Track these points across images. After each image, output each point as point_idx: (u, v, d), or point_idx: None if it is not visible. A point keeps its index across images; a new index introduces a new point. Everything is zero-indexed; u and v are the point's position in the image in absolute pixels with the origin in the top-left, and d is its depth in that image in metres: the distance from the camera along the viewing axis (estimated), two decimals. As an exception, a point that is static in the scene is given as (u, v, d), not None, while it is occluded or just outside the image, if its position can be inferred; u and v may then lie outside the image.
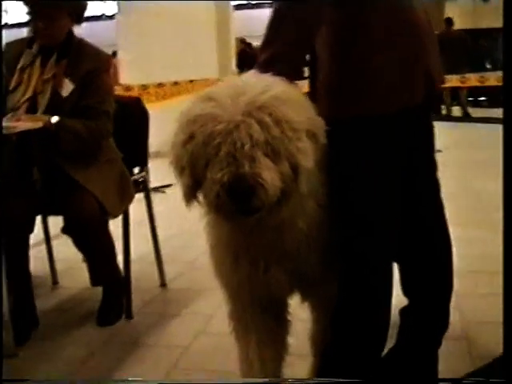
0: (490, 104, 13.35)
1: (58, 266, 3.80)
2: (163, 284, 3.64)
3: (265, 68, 1.77)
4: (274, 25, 1.85)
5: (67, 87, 2.92)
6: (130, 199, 3.22)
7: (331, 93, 1.95)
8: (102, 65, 3.04)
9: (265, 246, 1.87)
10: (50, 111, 2.91)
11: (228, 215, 1.66)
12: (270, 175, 1.58)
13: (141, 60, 7.94)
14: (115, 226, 3.22)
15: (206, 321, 3.13)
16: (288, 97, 1.66)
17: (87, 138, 2.94)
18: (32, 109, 2.94)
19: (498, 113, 11.68)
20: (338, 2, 1.88)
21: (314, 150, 1.69)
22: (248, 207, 1.60)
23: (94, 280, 3.18)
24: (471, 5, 13.78)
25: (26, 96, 2.96)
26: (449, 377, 2.34)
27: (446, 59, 8.84)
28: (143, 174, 3.43)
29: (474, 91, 11.94)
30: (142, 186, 3.45)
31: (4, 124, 2.73)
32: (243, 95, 1.61)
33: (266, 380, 2.01)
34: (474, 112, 12.07)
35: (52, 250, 3.76)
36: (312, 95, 1.99)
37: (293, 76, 1.80)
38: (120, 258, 3.27)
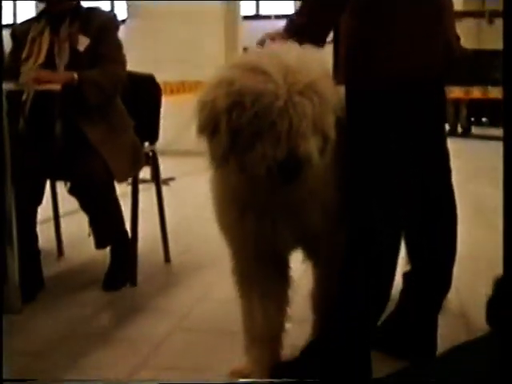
0: (491, 123, 13.50)
1: (65, 241, 3.87)
2: (168, 260, 3.71)
3: (301, 31, 1.87)
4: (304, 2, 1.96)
5: (83, 42, 3.09)
6: (140, 166, 3.31)
7: (353, 63, 2.00)
8: (111, 22, 3.25)
9: (272, 201, 1.90)
10: (69, 68, 3.06)
11: (266, 183, 1.73)
12: (315, 152, 1.69)
13: (149, 60, 8.04)
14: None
15: (207, 289, 3.20)
16: (327, 74, 1.77)
17: (106, 84, 3.06)
18: (50, 69, 3.08)
19: (498, 132, 11.84)
20: None
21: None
22: (294, 180, 1.70)
23: (98, 242, 3.21)
24: (475, 27, 13.95)
25: (39, 62, 3.10)
26: (447, 347, 2.39)
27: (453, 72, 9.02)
28: (152, 148, 3.52)
29: (477, 109, 12.05)
30: (152, 160, 3.53)
31: (22, 81, 2.88)
32: (293, 73, 1.67)
33: (267, 380, 2.03)
34: (475, 130, 12.17)
35: (60, 224, 3.83)
36: (334, 67, 2.07)
37: (322, 42, 1.91)
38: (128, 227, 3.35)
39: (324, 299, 2.18)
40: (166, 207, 3.71)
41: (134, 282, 3.28)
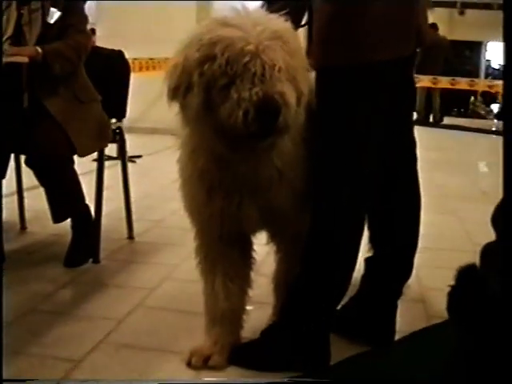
0: (459, 113, 13.69)
1: (28, 215, 3.84)
2: (131, 237, 3.68)
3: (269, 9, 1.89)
4: None
5: (54, 14, 3.08)
6: (106, 142, 3.27)
7: (326, 40, 1.99)
8: None
9: (239, 180, 1.90)
10: (40, 40, 3.04)
11: (243, 139, 1.69)
12: (292, 97, 1.68)
13: (118, 36, 7.93)
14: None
15: (171, 269, 3.18)
16: (294, 34, 1.80)
17: (70, 54, 3.05)
18: (18, 43, 3.06)
19: (467, 123, 11.96)
20: None
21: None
22: (273, 126, 1.66)
23: (55, 215, 3.13)
24: (447, 16, 14.03)
25: (7, 35, 3.07)
26: (406, 332, 2.43)
27: (428, 61, 9.11)
28: (118, 124, 3.48)
29: (447, 100, 12.17)
30: (118, 137, 3.49)
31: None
32: (261, 25, 1.70)
33: (266, 380, 2.01)
34: (446, 120, 12.29)
35: (23, 198, 3.80)
36: (307, 45, 2.06)
37: (297, 25, 1.96)
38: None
39: (286, 281, 2.18)
40: (131, 185, 3.68)
41: (96, 259, 3.25)
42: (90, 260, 3.24)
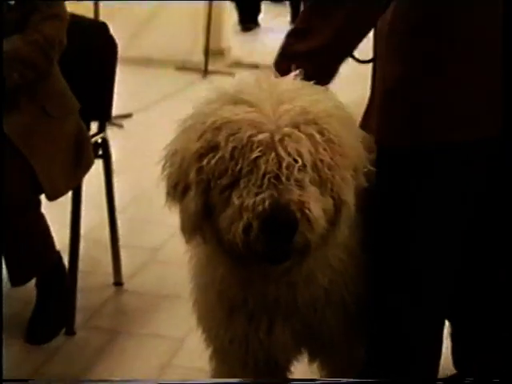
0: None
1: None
2: (119, 282, 2.83)
3: (302, 63, 1.50)
4: (316, 9, 1.56)
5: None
6: (86, 168, 2.44)
7: (396, 111, 1.60)
8: None
9: (270, 301, 1.61)
10: None
11: (249, 260, 1.40)
12: (317, 208, 1.35)
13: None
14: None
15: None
16: (341, 114, 1.44)
17: (34, 57, 2.24)
18: None
19: None
20: None
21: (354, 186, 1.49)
22: (286, 248, 1.36)
23: (15, 277, 2.35)
24: None
25: None
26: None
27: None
28: (102, 134, 2.61)
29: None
30: (102, 150, 2.63)
31: None
32: (287, 101, 1.38)
33: (266, 380, 1.85)
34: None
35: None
36: (365, 112, 1.75)
37: (326, 78, 1.57)
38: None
39: None
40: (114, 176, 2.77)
41: (70, 329, 2.45)
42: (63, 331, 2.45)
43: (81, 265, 2.54)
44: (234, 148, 1.34)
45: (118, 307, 2.73)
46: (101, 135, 2.60)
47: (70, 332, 2.44)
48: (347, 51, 1.61)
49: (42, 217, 2.32)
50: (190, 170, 1.39)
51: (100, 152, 2.61)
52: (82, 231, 2.55)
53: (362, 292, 1.69)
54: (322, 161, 1.37)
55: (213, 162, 1.36)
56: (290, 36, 1.59)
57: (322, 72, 1.52)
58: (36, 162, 2.18)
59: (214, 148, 1.36)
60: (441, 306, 1.75)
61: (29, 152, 2.18)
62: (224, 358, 1.79)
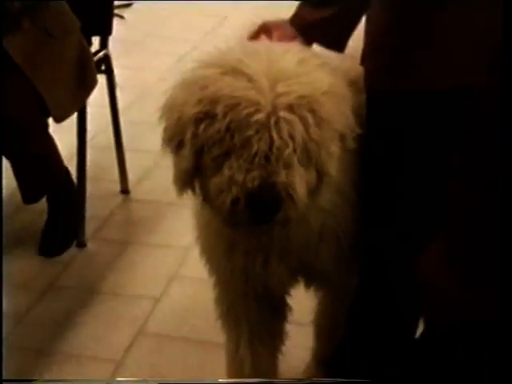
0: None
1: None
2: (125, 190, 2.88)
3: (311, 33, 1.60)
4: None
5: None
6: (90, 89, 2.43)
7: (382, 57, 1.59)
8: None
9: (263, 241, 1.64)
10: None
11: (235, 224, 1.46)
12: (302, 187, 1.41)
13: None
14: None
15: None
16: (335, 92, 1.46)
17: None
18: None
19: None
20: None
21: (339, 154, 1.51)
22: (268, 220, 1.42)
23: (27, 195, 2.40)
24: None
25: None
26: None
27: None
28: (104, 51, 2.59)
29: None
30: (105, 66, 2.61)
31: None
32: (284, 80, 1.39)
33: (266, 380, 1.90)
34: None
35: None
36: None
37: (339, 47, 1.64)
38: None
39: (330, 330, 1.98)
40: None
41: (81, 241, 2.53)
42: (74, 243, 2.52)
43: (88, 172, 2.58)
44: (231, 122, 1.38)
45: (126, 217, 2.79)
46: (103, 52, 2.59)
47: (81, 244, 2.52)
48: (358, 19, 1.64)
49: (50, 138, 2.35)
50: (186, 131, 1.43)
51: (103, 67, 2.61)
52: (88, 137, 2.57)
53: (356, 229, 1.73)
54: (311, 139, 1.42)
55: (209, 130, 1.40)
56: (302, 6, 1.61)
57: (334, 41, 1.57)
58: (39, 84, 2.18)
59: (210, 117, 1.40)
60: (426, 243, 1.76)
61: (32, 74, 2.18)
62: (226, 287, 1.85)
